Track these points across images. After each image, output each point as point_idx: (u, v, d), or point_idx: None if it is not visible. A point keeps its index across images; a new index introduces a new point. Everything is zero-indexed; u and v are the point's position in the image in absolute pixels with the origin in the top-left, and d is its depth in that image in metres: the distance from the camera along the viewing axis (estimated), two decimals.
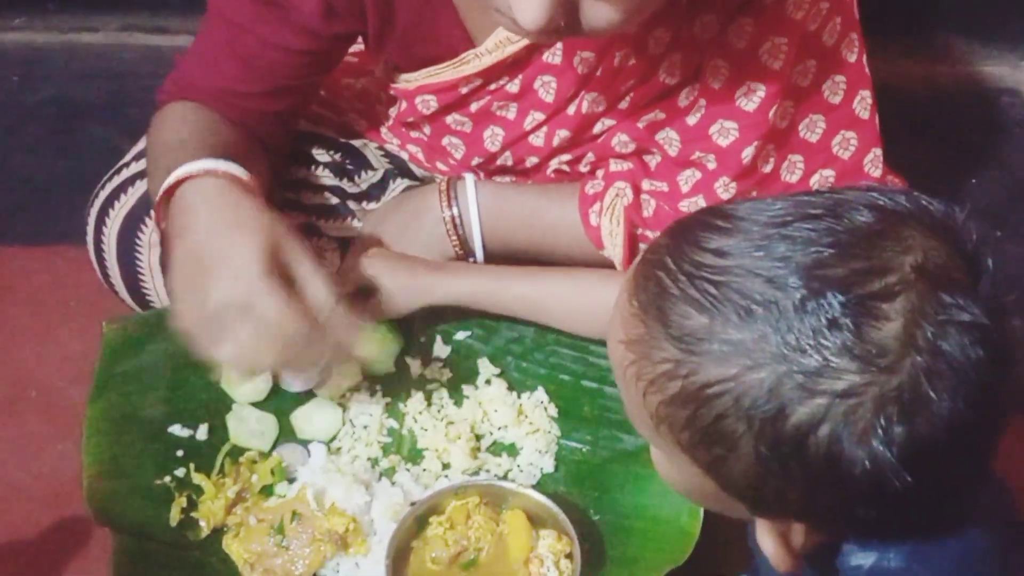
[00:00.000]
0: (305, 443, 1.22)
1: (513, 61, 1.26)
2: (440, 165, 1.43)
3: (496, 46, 1.25)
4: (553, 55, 1.25)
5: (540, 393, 1.26)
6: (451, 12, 1.25)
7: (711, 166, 1.26)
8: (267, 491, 1.17)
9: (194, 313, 1.07)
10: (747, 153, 1.23)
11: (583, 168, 1.36)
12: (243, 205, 1.11)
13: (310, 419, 1.24)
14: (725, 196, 1.26)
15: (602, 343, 1.28)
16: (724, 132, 1.24)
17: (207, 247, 1.08)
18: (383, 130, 1.47)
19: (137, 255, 1.36)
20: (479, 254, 1.35)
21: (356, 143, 1.46)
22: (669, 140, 1.28)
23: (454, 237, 1.34)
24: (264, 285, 1.06)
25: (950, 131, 1.75)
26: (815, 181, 1.28)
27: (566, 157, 1.35)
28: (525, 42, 1.23)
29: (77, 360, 1.47)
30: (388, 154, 1.47)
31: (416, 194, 1.40)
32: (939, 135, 1.73)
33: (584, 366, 1.28)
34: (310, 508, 1.12)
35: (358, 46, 1.49)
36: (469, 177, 1.36)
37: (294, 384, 1.24)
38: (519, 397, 1.26)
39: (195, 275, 1.08)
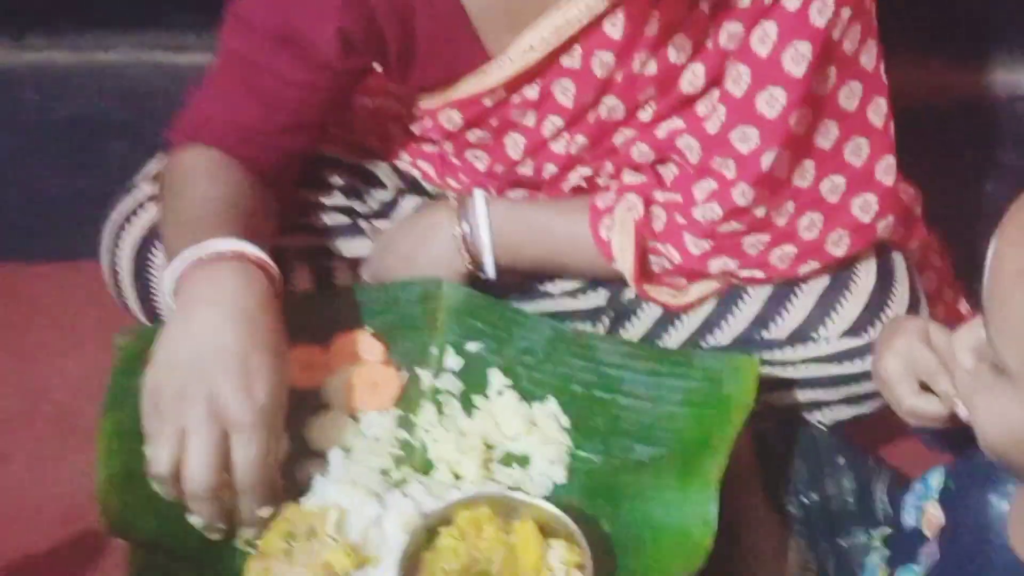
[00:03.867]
0: (322, 454, 1.22)
1: (535, 69, 1.26)
2: (451, 182, 1.43)
3: (520, 54, 1.25)
4: (572, 58, 1.25)
5: (552, 404, 1.26)
6: (469, 29, 1.26)
7: (730, 174, 1.26)
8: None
9: (164, 395, 1.10)
10: (766, 159, 1.23)
11: (601, 182, 1.36)
12: (267, 331, 1.12)
13: (323, 431, 1.24)
14: (742, 202, 1.26)
15: (613, 352, 1.30)
16: (745, 138, 1.24)
17: (225, 350, 1.10)
18: (395, 147, 1.47)
19: (150, 276, 1.37)
20: (490, 270, 1.35)
21: (366, 163, 1.47)
22: (689, 147, 1.28)
23: (465, 253, 1.34)
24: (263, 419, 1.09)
25: (965, 139, 1.73)
26: (826, 187, 1.28)
27: (586, 171, 1.35)
28: (548, 49, 1.24)
29: (93, 375, 1.46)
30: (399, 172, 1.47)
31: (427, 212, 1.40)
32: (953, 143, 1.72)
33: (596, 376, 1.28)
34: (326, 532, 1.12)
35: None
36: (479, 193, 1.36)
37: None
38: (531, 408, 1.26)
39: (194, 360, 1.10)
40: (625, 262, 1.31)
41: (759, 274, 1.32)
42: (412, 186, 1.47)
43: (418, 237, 1.37)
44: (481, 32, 1.26)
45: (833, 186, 1.28)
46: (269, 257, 1.17)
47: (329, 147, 1.45)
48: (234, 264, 1.14)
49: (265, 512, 1.13)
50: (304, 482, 1.19)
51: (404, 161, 1.47)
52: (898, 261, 1.36)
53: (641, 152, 1.31)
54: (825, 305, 1.32)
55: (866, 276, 1.33)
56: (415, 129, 1.39)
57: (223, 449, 1.09)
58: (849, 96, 1.25)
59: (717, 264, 1.31)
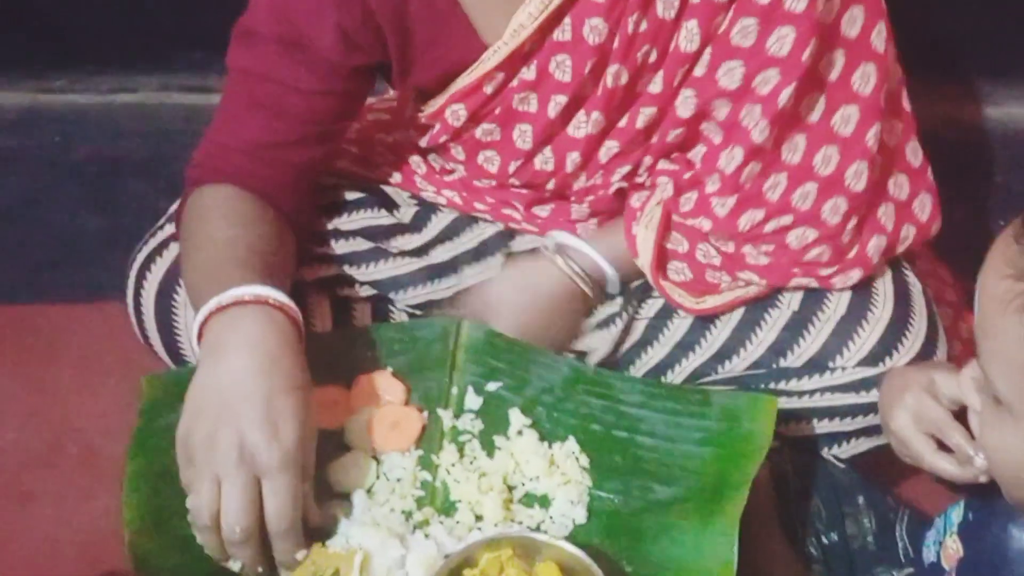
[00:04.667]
0: (345, 496, 1.23)
1: (529, 49, 1.28)
2: (478, 205, 1.45)
3: (512, 35, 1.27)
4: (563, 31, 1.27)
5: (571, 443, 1.27)
6: (463, 20, 1.28)
7: (752, 121, 1.27)
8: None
9: (196, 441, 1.12)
10: (784, 96, 1.25)
11: (641, 179, 1.37)
12: (290, 372, 1.14)
13: (346, 472, 1.25)
14: (760, 140, 1.27)
15: (632, 391, 1.30)
16: (766, 81, 1.25)
17: (252, 391, 1.11)
18: (417, 179, 1.48)
19: (174, 316, 1.38)
20: (614, 285, 1.39)
21: (388, 190, 1.48)
22: (716, 106, 1.29)
23: (587, 279, 1.38)
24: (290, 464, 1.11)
25: (979, 174, 1.75)
26: (837, 121, 1.29)
27: (624, 169, 1.36)
28: (539, 23, 1.25)
29: (117, 415, 1.49)
30: (422, 202, 1.48)
31: (519, 270, 1.41)
32: (966, 177, 1.73)
33: (615, 416, 1.29)
34: (352, 574, 1.12)
35: (389, 102, 1.52)
36: (557, 233, 1.40)
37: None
38: (550, 447, 1.27)
39: (221, 407, 1.11)
40: (644, 255, 1.34)
41: (786, 220, 1.32)
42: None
43: (528, 298, 1.39)
44: (474, 19, 1.28)
45: (845, 117, 1.29)
46: (289, 297, 1.19)
47: (349, 185, 1.46)
48: (255, 308, 1.16)
49: (301, 554, 1.14)
50: (328, 523, 1.20)
51: (428, 191, 1.48)
52: (916, 292, 1.37)
53: (673, 135, 1.32)
54: (843, 334, 1.33)
55: (884, 305, 1.34)
56: (424, 141, 1.40)
57: (256, 493, 1.11)
58: (850, 22, 1.26)
59: (745, 220, 1.32)
